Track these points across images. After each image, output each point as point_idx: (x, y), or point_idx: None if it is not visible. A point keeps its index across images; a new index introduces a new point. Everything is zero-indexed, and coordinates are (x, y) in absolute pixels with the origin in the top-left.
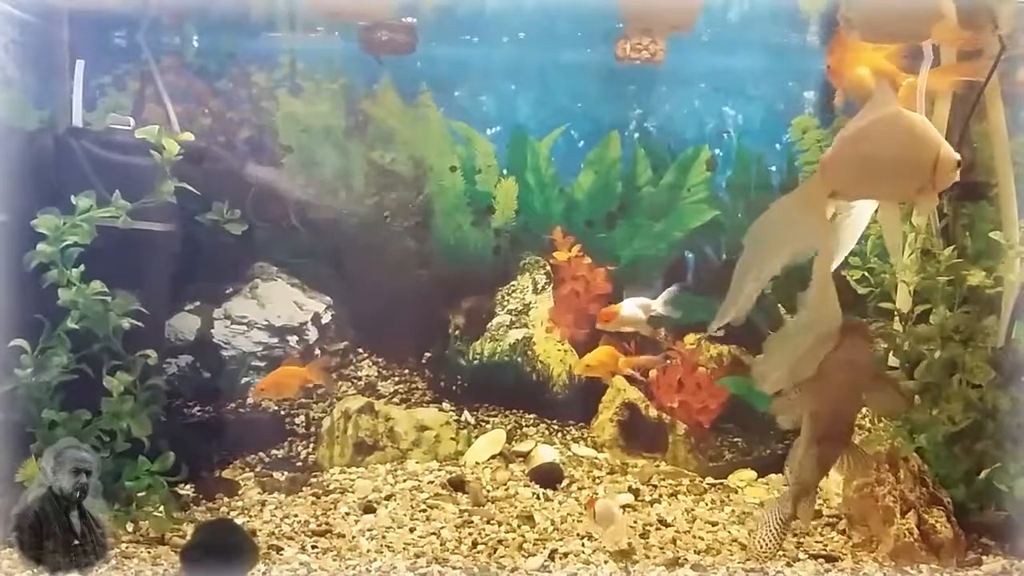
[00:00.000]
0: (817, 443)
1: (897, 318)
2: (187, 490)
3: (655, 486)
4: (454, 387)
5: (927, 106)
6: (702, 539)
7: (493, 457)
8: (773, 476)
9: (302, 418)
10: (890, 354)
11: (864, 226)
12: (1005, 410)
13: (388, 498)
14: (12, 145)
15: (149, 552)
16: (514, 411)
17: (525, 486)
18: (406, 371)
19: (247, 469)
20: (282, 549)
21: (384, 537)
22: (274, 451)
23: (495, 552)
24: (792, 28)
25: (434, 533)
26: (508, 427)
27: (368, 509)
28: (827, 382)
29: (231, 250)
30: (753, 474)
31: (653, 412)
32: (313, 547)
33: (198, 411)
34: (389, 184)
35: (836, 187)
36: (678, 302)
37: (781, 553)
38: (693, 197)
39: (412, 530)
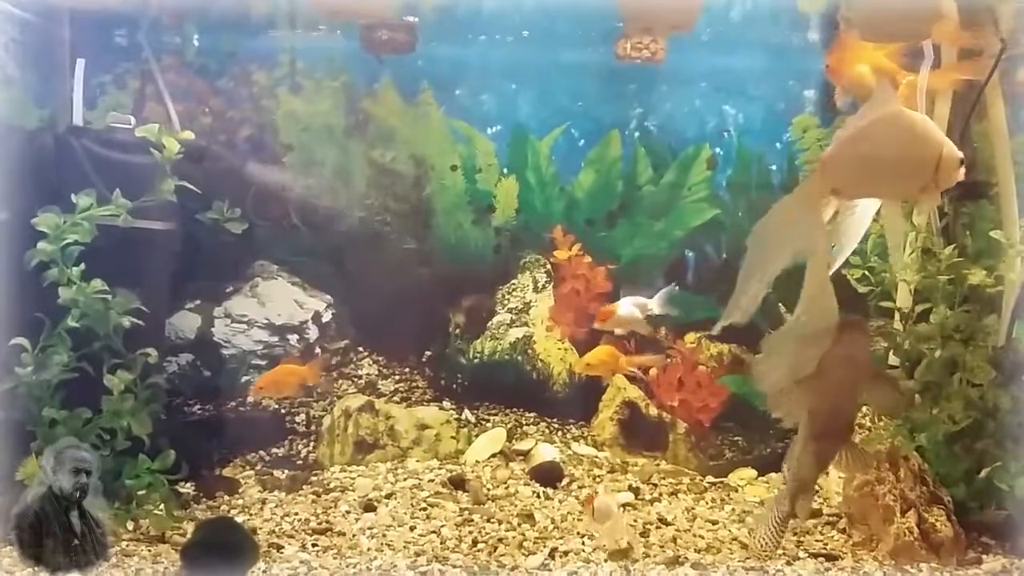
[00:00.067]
0: (815, 440)
1: (898, 317)
2: (187, 488)
3: (655, 485)
4: (454, 386)
5: (927, 105)
6: (702, 538)
7: (493, 456)
8: (773, 475)
9: (302, 416)
10: (891, 353)
11: (867, 225)
12: (1006, 409)
13: (388, 496)
14: (13, 144)
15: (149, 550)
16: (514, 410)
17: (525, 484)
18: (407, 370)
19: (247, 467)
20: (282, 547)
21: (384, 535)
22: (274, 449)
23: (495, 550)
24: (792, 27)
25: (434, 531)
26: (508, 426)
27: (368, 507)
28: (825, 379)
29: (231, 249)
30: (753, 473)
31: (653, 411)
32: (313, 545)
33: (198, 409)
34: (390, 183)
35: (837, 186)
36: (675, 301)
37: (781, 551)
38: (693, 196)
39: (412, 528)
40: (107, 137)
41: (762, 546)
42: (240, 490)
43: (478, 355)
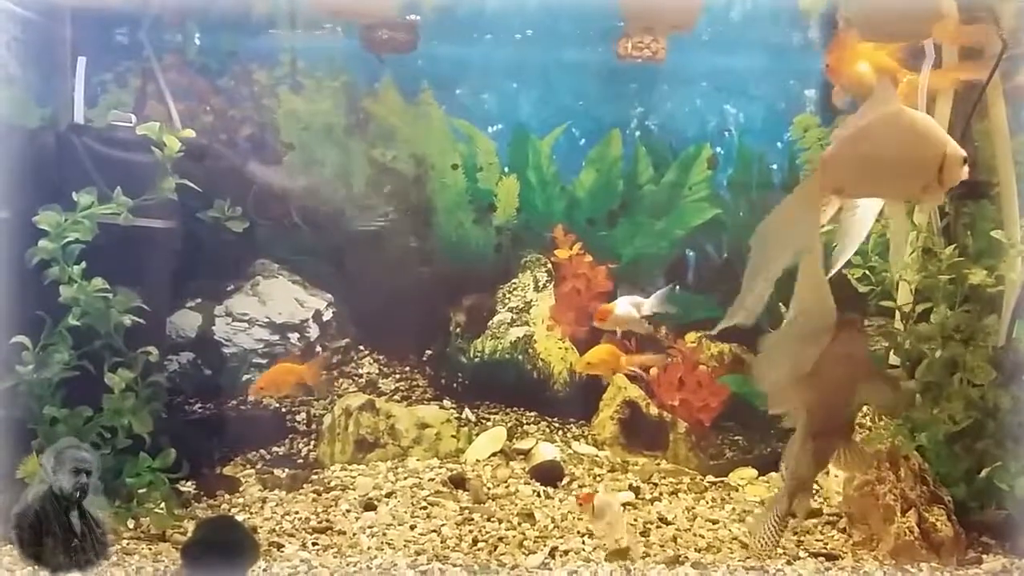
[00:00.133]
0: (813, 439)
1: (898, 317)
2: (188, 487)
3: (656, 484)
4: (455, 385)
5: (928, 104)
6: (702, 537)
7: (494, 455)
8: (774, 474)
9: (303, 415)
10: (891, 353)
11: (870, 225)
12: (1006, 409)
13: (389, 495)
14: (14, 142)
15: (150, 549)
16: (515, 409)
17: (526, 484)
18: (407, 368)
19: (248, 466)
20: (283, 546)
21: (385, 534)
22: (275, 448)
23: (495, 549)
24: (793, 27)
25: (435, 530)
26: (509, 425)
27: (369, 506)
28: (823, 377)
29: (232, 247)
30: (754, 472)
31: (654, 410)
32: (314, 544)
33: (199, 408)
34: (390, 182)
35: (839, 186)
36: (671, 301)
37: (781, 551)
38: (694, 195)
39: (413, 527)
40: (108, 135)
41: (761, 545)
42: (241, 489)
43: (479, 354)
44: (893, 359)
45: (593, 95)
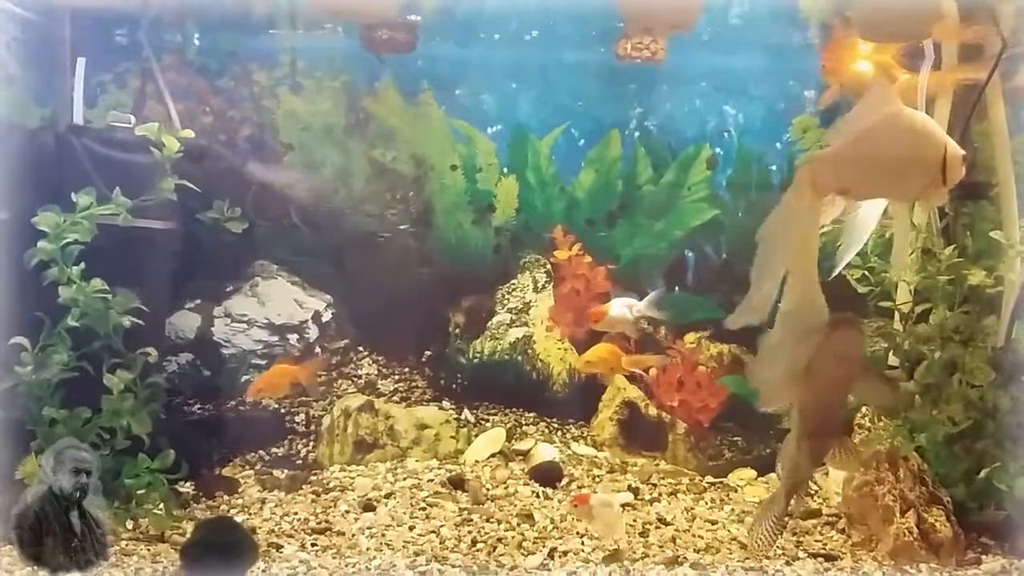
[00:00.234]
0: (808, 438)
1: (897, 317)
2: (187, 488)
3: (655, 485)
4: (454, 385)
5: (928, 105)
6: (701, 538)
7: (493, 455)
8: (772, 475)
9: (302, 416)
10: (890, 353)
11: (873, 225)
12: (1005, 410)
13: (388, 496)
14: (13, 142)
15: (149, 550)
16: (514, 409)
17: (525, 484)
18: (406, 369)
19: (247, 467)
20: (282, 547)
21: (384, 535)
22: (274, 449)
23: (494, 550)
24: (792, 28)
25: (434, 531)
26: (508, 425)
27: (368, 507)
28: (817, 376)
29: (231, 248)
30: (753, 473)
31: (653, 411)
32: (313, 545)
33: (198, 409)
34: (390, 182)
35: (840, 186)
36: (666, 303)
37: (780, 551)
38: (693, 196)
39: (412, 528)
40: (107, 136)
41: (758, 545)
42: (240, 490)
43: (478, 355)
44: (892, 360)
45: (592, 96)
